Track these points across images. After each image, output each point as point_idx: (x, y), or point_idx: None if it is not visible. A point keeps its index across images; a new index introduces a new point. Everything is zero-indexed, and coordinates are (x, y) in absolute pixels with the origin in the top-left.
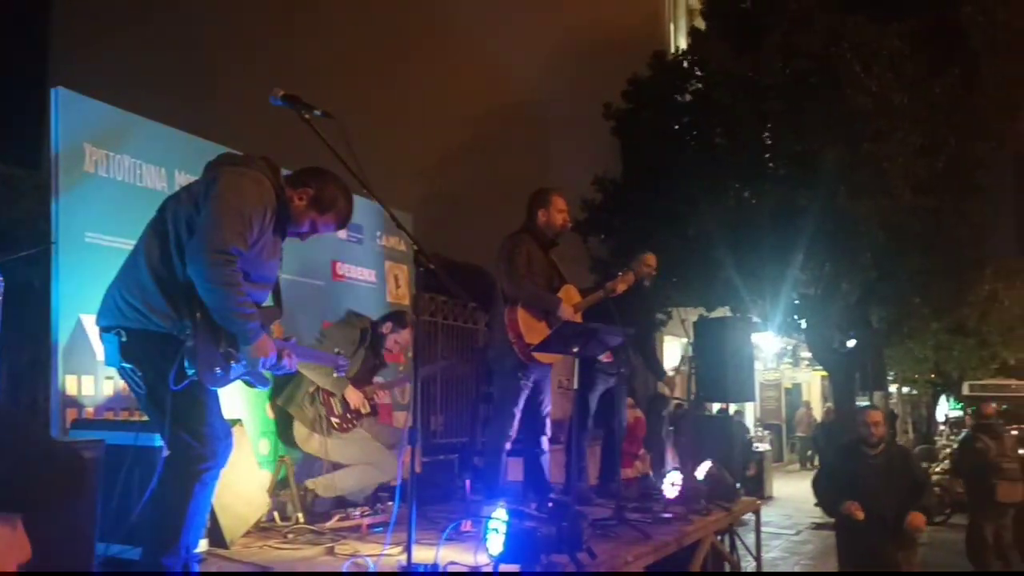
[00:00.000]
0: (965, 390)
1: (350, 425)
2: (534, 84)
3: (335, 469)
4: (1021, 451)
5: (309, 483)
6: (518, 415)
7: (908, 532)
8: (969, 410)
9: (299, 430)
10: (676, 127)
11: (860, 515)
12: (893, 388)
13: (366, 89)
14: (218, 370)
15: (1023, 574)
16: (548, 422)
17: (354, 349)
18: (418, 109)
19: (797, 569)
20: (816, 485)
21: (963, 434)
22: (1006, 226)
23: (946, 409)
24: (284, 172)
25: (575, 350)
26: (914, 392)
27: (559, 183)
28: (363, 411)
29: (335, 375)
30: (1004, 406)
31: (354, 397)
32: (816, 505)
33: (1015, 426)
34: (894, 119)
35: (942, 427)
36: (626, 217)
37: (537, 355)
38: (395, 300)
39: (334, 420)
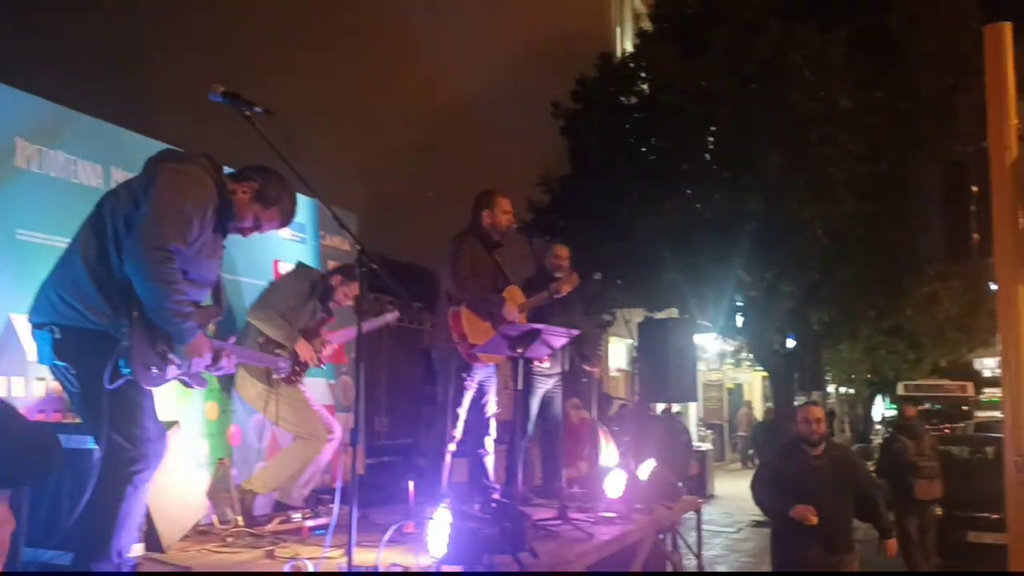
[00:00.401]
0: (900, 390)
1: (299, 378)
2: (481, 84)
3: (270, 455)
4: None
5: (246, 484)
6: (462, 416)
7: (848, 539)
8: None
9: (247, 387)
10: (624, 128)
11: (814, 520)
12: (831, 388)
13: (311, 89)
14: (154, 370)
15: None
16: (493, 423)
17: (304, 301)
18: (364, 110)
19: (736, 567)
20: (755, 488)
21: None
22: (937, 230)
23: (882, 409)
24: (226, 170)
25: (519, 351)
26: (851, 392)
27: (506, 184)
28: (313, 364)
29: (288, 332)
30: (937, 406)
31: (305, 350)
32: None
33: (947, 425)
34: (838, 125)
35: (878, 426)
36: (573, 218)
37: (481, 356)
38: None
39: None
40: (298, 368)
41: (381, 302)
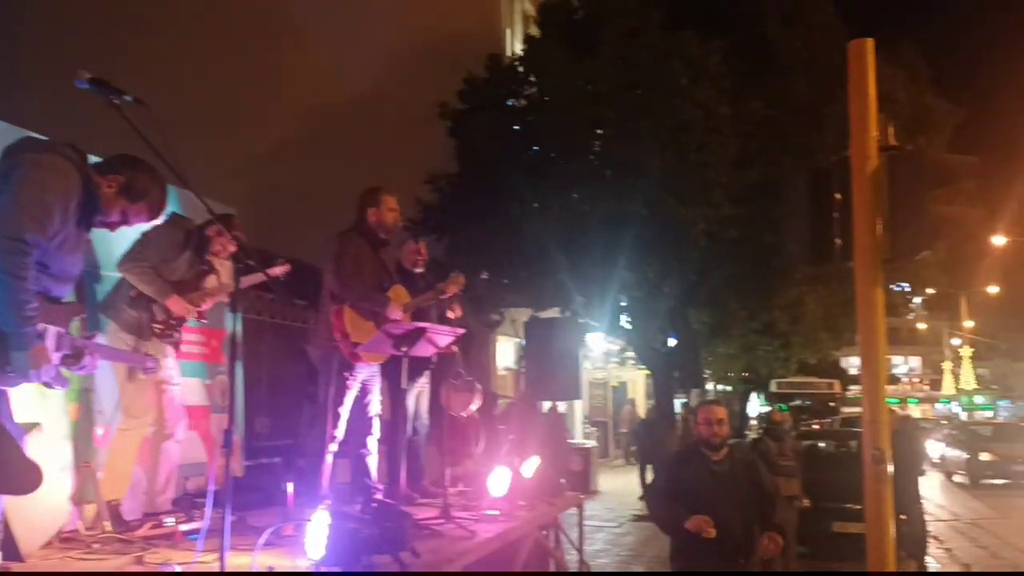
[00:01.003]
0: (772, 387)
1: (173, 332)
2: (369, 80)
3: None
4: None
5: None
6: (344, 416)
7: (750, 547)
8: (777, 407)
9: (116, 341)
10: (513, 129)
11: (712, 532)
12: (710, 386)
13: (190, 81)
14: (8, 369)
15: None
16: (377, 422)
17: (178, 252)
18: (247, 103)
19: (617, 561)
20: (650, 500)
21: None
22: (803, 235)
23: (757, 405)
24: (93, 159)
25: (403, 349)
26: (728, 389)
27: (393, 181)
28: (190, 317)
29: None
30: (807, 402)
31: (177, 306)
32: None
33: (816, 421)
34: (716, 132)
35: (753, 422)
36: (460, 217)
37: (364, 354)
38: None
39: (156, 326)
40: (173, 321)
41: (262, 300)
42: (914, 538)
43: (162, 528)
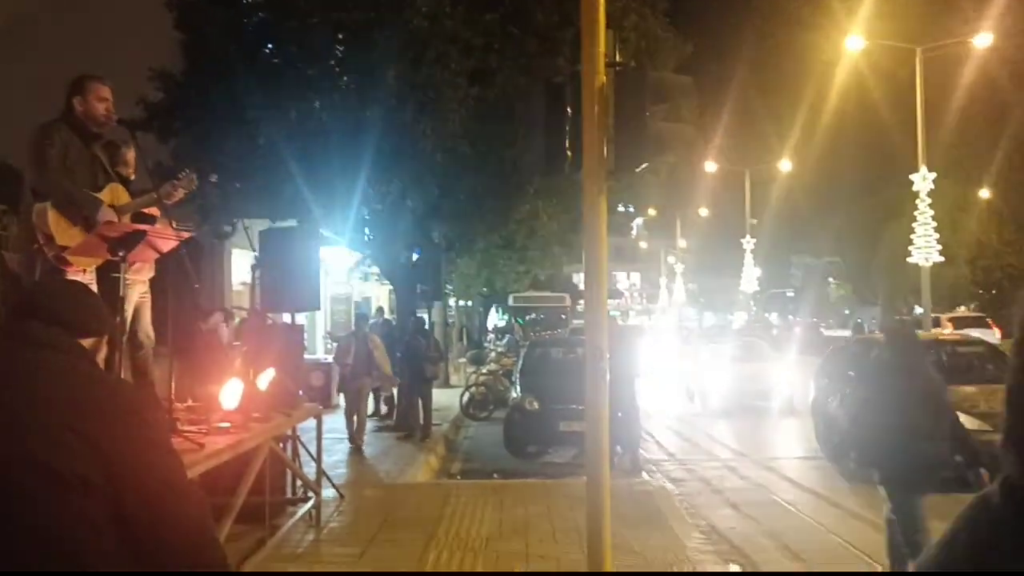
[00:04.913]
0: (510, 302)
1: None
2: None
3: None
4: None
5: None
6: None
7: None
8: (516, 320)
9: None
10: (247, 25)
11: None
12: (452, 302)
13: None
14: None
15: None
16: None
17: None
18: None
19: (356, 472)
20: None
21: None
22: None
23: (495, 319)
24: None
25: (121, 254)
26: (469, 304)
27: (113, 76)
28: None
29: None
30: (541, 316)
31: None
32: None
33: (548, 331)
34: (448, 45)
35: (491, 334)
36: (188, 120)
37: (73, 259)
38: None
39: None
40: None
41: None
42: (630, 434)
43: None
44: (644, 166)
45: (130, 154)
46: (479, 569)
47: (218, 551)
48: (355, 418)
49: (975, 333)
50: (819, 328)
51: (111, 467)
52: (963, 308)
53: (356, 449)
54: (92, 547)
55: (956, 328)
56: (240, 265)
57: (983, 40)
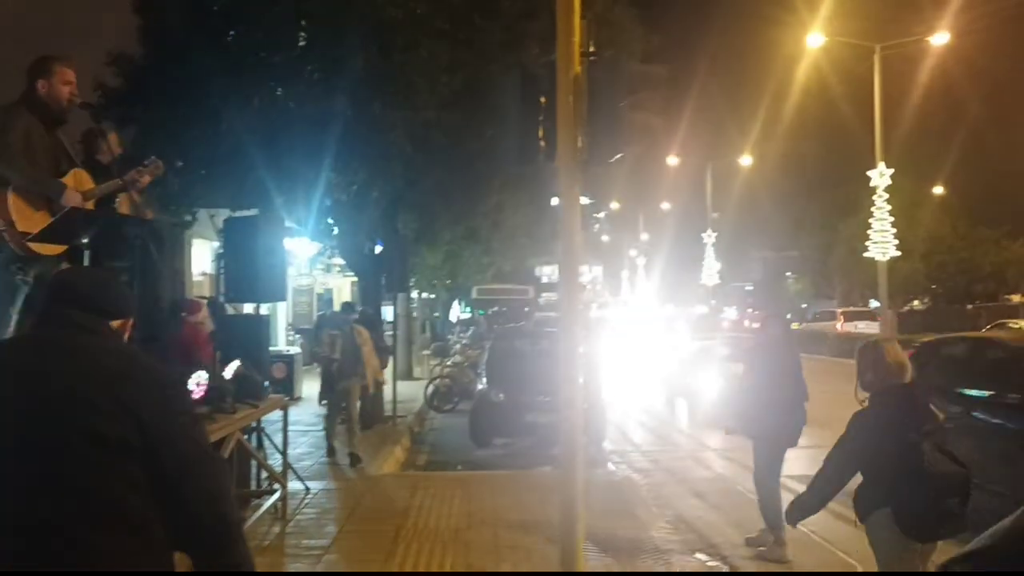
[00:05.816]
0: (474, 294)
1: None
2: None
3: None
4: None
5: None
6: (16, 317)
7: None
8: (479, 312)
9: None
10: (211, 9)
11: None
12: (415, 294)
13: None
14: None
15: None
16: None
17: None
18: None
19: (319, 463)
20: None
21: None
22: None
23: (458, 312)
24: None
25: (85, 241)
26: (433, 296)
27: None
28: None
29: None
30: (504, 308)
31: None
32: None
33: (511, 324)
34: (419, 33)
35: (455, 326)
36: (148, 106)
37: (35, 246)
38: None
39: None
40: None
41: None
42: (595, 424)
43: None
44: (619, 156)
45: (112, 138)
46: (449, 560)
47: (235, 504)
48: (347, 424)
49: (861, 326)
50: (791, 323)
51: (147, 431)
52: (916, 302)
53: (354, 458)
54: (130, 500)
55: (846, 321)
56: (200, 255)
57: (940, 39)
